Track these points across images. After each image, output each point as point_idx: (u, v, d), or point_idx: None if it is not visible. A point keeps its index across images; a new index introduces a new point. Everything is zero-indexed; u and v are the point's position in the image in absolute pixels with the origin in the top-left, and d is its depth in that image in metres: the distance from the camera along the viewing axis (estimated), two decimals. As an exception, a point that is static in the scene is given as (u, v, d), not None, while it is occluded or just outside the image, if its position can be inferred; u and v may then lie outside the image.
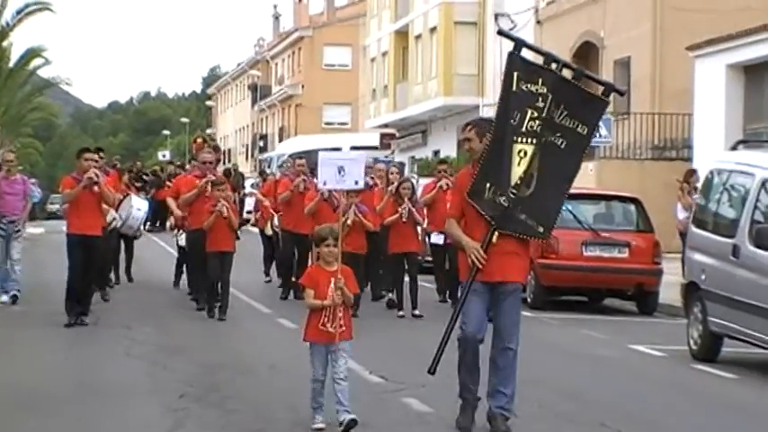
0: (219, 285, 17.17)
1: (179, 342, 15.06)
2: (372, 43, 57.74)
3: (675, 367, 14.35)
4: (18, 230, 18.76)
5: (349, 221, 16.67)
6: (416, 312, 17.76)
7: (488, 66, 44.99)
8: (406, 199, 18.19)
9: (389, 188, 19.07)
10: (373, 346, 13.57)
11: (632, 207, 21.07)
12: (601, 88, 9.85)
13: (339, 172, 10.22)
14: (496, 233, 9.51)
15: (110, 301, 18.99)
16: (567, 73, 9.61)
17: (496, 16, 43.17)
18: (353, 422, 9.37)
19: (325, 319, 9.52)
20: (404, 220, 18.12)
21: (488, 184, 9.53)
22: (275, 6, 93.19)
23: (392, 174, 20.05)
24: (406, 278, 18.45)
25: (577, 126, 9.44)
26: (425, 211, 19.32)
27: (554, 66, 9.53)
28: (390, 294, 18.91)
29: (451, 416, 10.17)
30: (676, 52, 32.21)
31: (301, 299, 18.42)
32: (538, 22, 41.77)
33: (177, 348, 14.48)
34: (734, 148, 15.72)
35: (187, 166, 38.67)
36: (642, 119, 33.49)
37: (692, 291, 15.21)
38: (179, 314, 17.96)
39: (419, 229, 19.05)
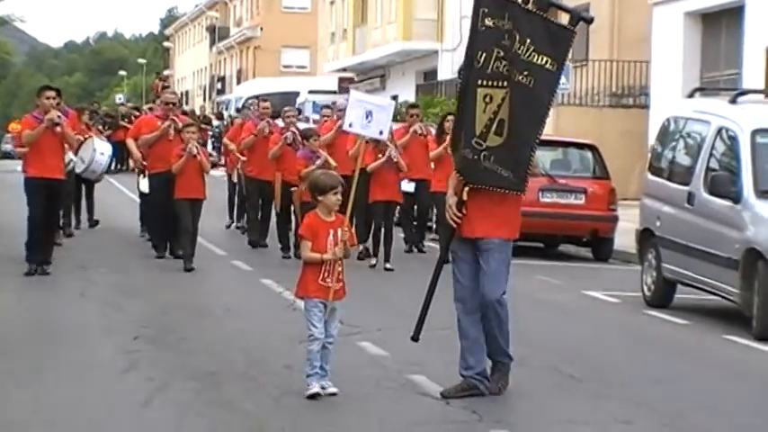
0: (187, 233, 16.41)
1: (134, 284, 15.02)
2: (332, -14, 57.39)
3: (629, 313, 14.46)
4: None
5: (318, 164, 16.00)
6: (388, 266, 16.95)
7: (448, 10, 44.83)
8: (389, 143, 16.90)
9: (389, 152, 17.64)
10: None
11: (589, 154, 21.12)
12: (567, 18, 9.18)
13: (366, 116, 9.57)
14: (466, 189, 8.94)
15: (62, 245, 17.96)
16: (531, 5, 8.91)
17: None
18: (334, 395, 8.89)
19: (326, 274, 8.87)
20: (394, 159, 17.03)
21: (462, 135, 9.00)
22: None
23: None
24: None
25: (546, 62, 8.70)
26: None
27: None
28: (365, 245, 17.80)
29: (406, 359, 10.22)
30: (635, -1, 32.22)
31: (263, 246, 18.56)
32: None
33: (132, 290, 14.44)
34: (691, 95, 15.77)
35: (144, 108, 38.51)
36: (600, 66, 33.52)
37: (646, 237, 15.30)
38: (135, 257, 17.86)
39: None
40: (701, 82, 28.22)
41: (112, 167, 39.01)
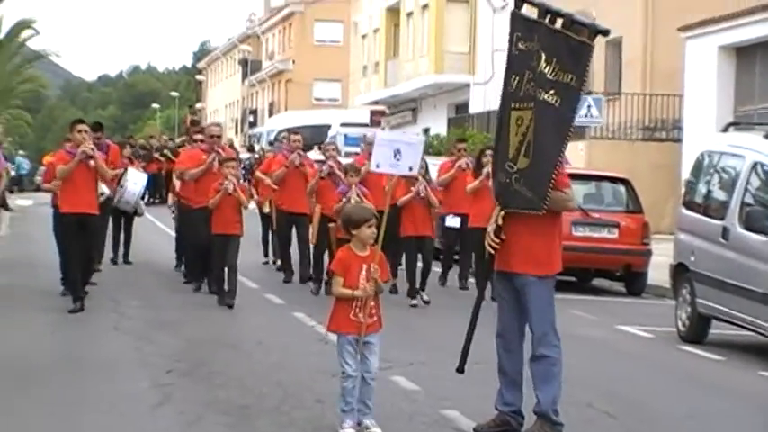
0: (226, 272, 16.04)
1: (167, 317, 15.02)
2: (363, 19, 57.57)
3: (663, 348, 14.36)
4: None
5: (353, 201, 15.59)
6: (425, 297, 16.80)
7: (480, 43, 44.91)
8: (420, 177, 16.69)
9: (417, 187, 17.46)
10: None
11: (622, 188, 21.07)
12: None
13: (395, 155, 9.47)
14: (501, 213, 8.84)
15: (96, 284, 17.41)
16: (558, 23, 8.79)
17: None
18: None
19: (357, 309, 8.70)
20: (421, 195, 16.84)
21: (499, 161, 8.96)
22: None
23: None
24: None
25: (570, 79, 8.61)
26: (440, 190, 18.27)
27: (547, 18, 8.73)
28: (395, 280, 17.39)
29: (439, 394, 10.17)
30: (668, 33, 32.19)
31: (309, 279, 18.35)
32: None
33: (165, 323, 14.45)
34: (725, 130, 15.71)
35: (177, 142, 38.67)
36: (633, 99, 33.47)
37: (680, 272, 15.21)
38: (168, 290, 17.90)
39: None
40: (735, 115, 28.15)
41: (146, 200, 39.27)
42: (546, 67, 8.64)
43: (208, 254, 16.54)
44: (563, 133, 8.74)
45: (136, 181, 20.28)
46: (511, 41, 8.88)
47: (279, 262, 20.94)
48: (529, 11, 8.99)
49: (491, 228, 8.92)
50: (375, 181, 17.25)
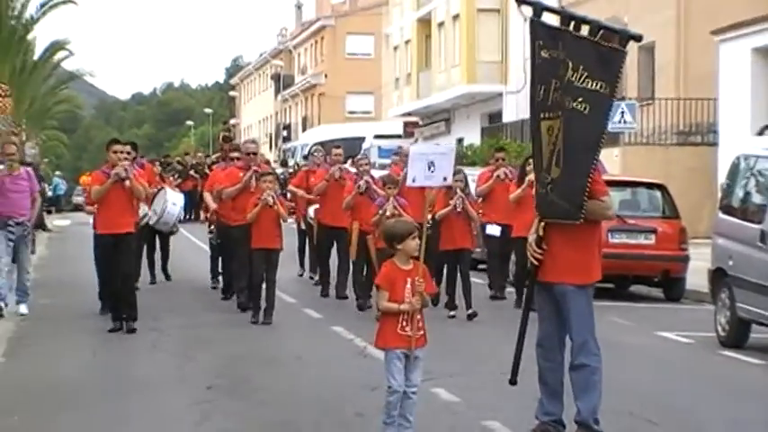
0: (265, 287, 15.93)
1: (206, 334, 15.07)
2: (395, 32, 57.64)
3: (703, 354, 14.29)
4: (27, 233, 16.66)
5: (388, 213, 15.57)
6: (470, 311, 16.44)
7: (512, 53, 44.88)
8: (458, 191, 16.68)
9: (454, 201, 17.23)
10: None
11: (658, 193, 20.99)
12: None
13: (429, 167, 9.51)
14: (542, 224, 8.82)
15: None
16: (584, 30, 8.72)
17: (519, 2, 42.96)
18: None
19: (404, 323, 8.67)
20: (458, 209, 16.68)
21: (536, 171, 8.93)
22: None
23: (456, 181, 18.18)
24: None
25: (599, 86, 8.47)
26: (480, 201, 18.32)
27: (572, 25, 8.66)
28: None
29: (480, 405, 10.15)
30: (700, 37, 32.07)
31: (344, 298, 18.35)
32: (561, 7, 41.52)
33: (204, 341, 14.50)
34: (760, 133, 15.63)
35: (212, 158, 38.72)
36: (667, 104, 33.36)
37: (719, 277, 15.14)
38: (206, 307, 17.96)
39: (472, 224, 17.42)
40: (770, 118, 27.99)
41: (181, 217, 39.38)
42: (573, 74, 8.53)
43: (248, 273, 16.40)
44: (594, 141, 8.63)
45: (174, 201, 20.19)
46: (533, 50, 8.79)
47: (315, 276, 20.92)
48: (551, 19, 8.90)
49: (532, 238, 8.90)
50: (414, 192, 17.26)
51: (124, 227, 15.10)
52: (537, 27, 8.81)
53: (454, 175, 16.60)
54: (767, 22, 29.08)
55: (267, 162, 23.01)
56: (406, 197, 16.65)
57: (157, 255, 21.43)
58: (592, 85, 8.51)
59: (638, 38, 8.75)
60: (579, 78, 8.53)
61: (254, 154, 17.46)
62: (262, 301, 15.94)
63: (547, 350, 8.98)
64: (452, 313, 16.59)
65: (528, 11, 8.89)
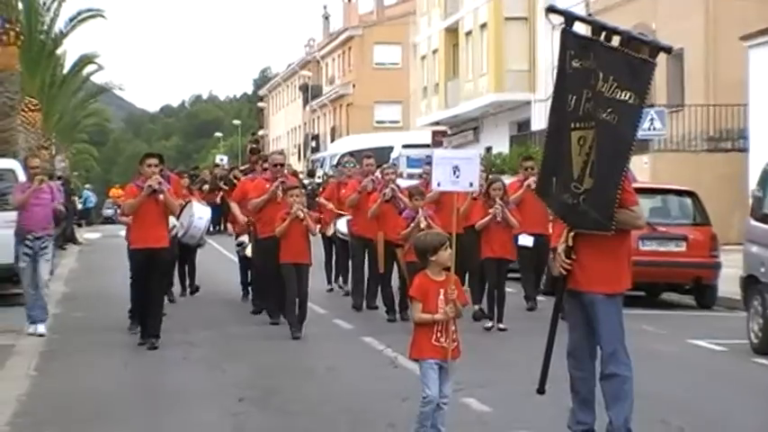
0: (297, 301, 15.74)
1: (236, 346, 15.09)
2: (422, 41, 57.70)
3: (736, 361, 14.21)
4: (45, 247, 16.10)
5: (422, 226, 15.32)
6: (501, 326, 16.34)
7: (540, 61, 44.88)
8: (497, 200, 16.49)
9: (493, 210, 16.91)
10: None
11: (688, 200, 20.90)
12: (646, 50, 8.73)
13: (454, 172, 9.50)
14: (571, 234, 8.76)
15: (166, 314, 16.68)
16: (615, 40, 8.69)
17: (550, 12, 42.92)
18: None
19: (439, 334, 8.73)
20: (498, 219, 16.39)
21: (554, 179, 8.80)
22: (325, 6, 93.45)
23: (494, 190, 17.40)
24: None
25: (629, 97, 8.45)
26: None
27: (603, 35, 8.65)
28: (478, 306, 17.18)
29: (511, 415, 10.11)
30: (729, 42, 31.97)
31: (374, 308, 18.26)
32: (589, 14, 41.55)
33: (235, 352, 14.52)
34: (791, 139, 15.55)
35: (241, 168, 38.81)
36: (696, 110, 33.26)
37: (751, 284, 15.06)
38: (236, 319, 17.99)
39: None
40: (801, 123, 27.88)
41: (210, 229, 39.48)
42: (603, 85, 8.52)
43: (277, 283, 16.23)
44: (623, 152, 8.62)
45: (201, 215, 20.05)
46: (564, 60, 8.76)
47: (345, 286, 20.87)
48: (581, 28, 8.88)
49: (561, 248, 8.86)
50: (447, 202, 16.81)
51: (159, 241, 14.99)
52: (569, 37, 8.79)
53: (493, 183, 16.78)
54: (796, 27, 28.98)
55: (294, 173, 22.88)
56: (442, 207, 16.58)
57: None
58: (621, 95, 8.50)
59: (668, 49, 8.75)
60: (609, 89, 8.52)
61: (282, 165, 17.37)
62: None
63: (577, 359, 8.95)
64: (489, 324, 16.42)
65: (559, 20, 8.85)
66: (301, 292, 15.71)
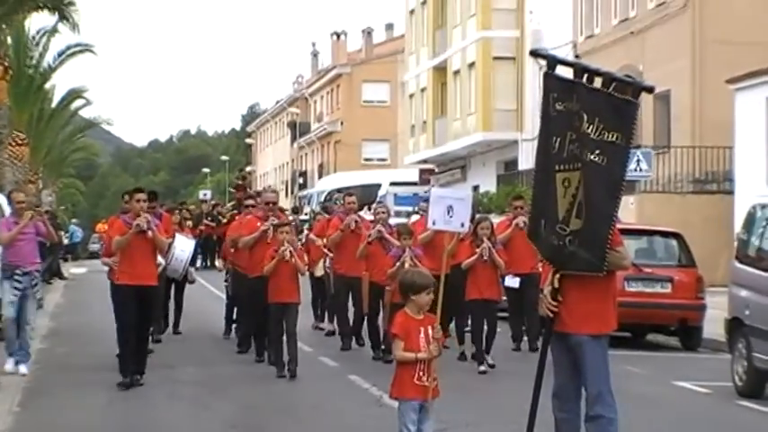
0: (285, 340, 15.41)
1: (222, 383, 15.05)
2: (411, 79, 57.92)
3: (721, 404, 14.24)
4: (35, 284, 15.80)
5: (407, 265, 15.08)
6: (489, 362, 16.20)
7: (527, 101, 45.06)
8: (485, 239, 16.31)
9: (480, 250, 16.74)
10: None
11: (674, 242, 20.96)
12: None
13: (448, 212, 9.54)
14: (557, 276, 8.74)
15: (153, 351, 16.74)
16: (597, 82, 8.74)
17: (533, 55, 43.14)
18: None
19: (420, 373, 8.70)
20: (485, 258, 16.21)
21: (543, 222, 8.80)
22: (314, 44, 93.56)
23: (482, 229, 17.17)
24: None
25: (615, 138, 8.48)
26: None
27: (585, 77, 8.69)
28: (462, 346, 17.16)
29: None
30: (716, 85, 32.16)
31: (361, 345, 18.03)
32: (576, 56, 41.73)
33: (220, 389, 14.48)
34: (776, 182, 15.64)
35: (227, 206, 38.97)
36: (682, 152, 33.40)
37: (735, 326, 15.10)
38: (221, 356, 17.95)
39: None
40: (786, 166, 28.01)
41: (198, 264, 39.50)
42: (589, 127, 8.55)
43: (264, 324, 16.08)
44: (614, 192, 8.65)
45: (183, 248, 19.53)
46: (547, 103, 8.79)
47: (328, 327, 20.73)
48: (564, 71, 8.91)
49: (547, 290, 8.86)
50: (437, 243, 16.58)
51: (147, 279, 14.62)
52: (551, 80, 8.83)
53: (480, 222, 16.61)
54: (783, 70, 29.15)
55: (282, 210, 22.67)
56: (430, 246, 16.49)
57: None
58: (608, 136, 8.53)
59: (650, 89, 8.82)
60: (595, 130, 8.55)
61: (274, 203, 17.13)
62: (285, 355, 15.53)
63: (563, 401, 8.94)
64: (482, 368, 16.04)
65: (540, 63, 8.92)
66: (290, 331, 15.38)
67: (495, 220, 18.82)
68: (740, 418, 13.32)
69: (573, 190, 8.66)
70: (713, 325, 18.96)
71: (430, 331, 8.76)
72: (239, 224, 17.89)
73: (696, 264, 20.52)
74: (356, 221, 18.16)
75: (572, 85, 8.72)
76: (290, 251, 15.33)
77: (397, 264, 15.66)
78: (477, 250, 16.27)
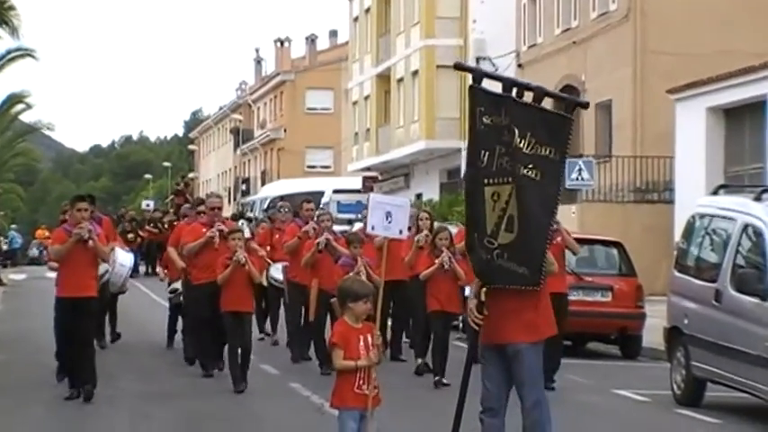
0: (239, 352, 14.94)
1: (163, 391, 14.97)
2: (354, 87, 57.96)
3: (659, 412, 14.35)
4: None
5: (362, 275, 14.45)
6: (445, 381, 15.27)
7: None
8: (444, 249, 15.71)
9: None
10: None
11: (615, 251, 21.10)
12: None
13: (387, 217, 9.53)
14: (483, 289, 8.76)
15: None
16: (527, 96, 8.73)
17: (477, 60, 43.35)
18: None
19: (360, 381, 8.66)
20: (446, 268, 15.54)
21: (476, 236, 8.75)
22: (257, 50, 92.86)
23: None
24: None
25: (549, 152, 8.53)
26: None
27: (514, 91, 8.67)
28: (422, 360, 16.56)
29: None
30: (657, 95, 32.44)
31: (307, 359, 17.57)
32: (519, 65, 42.02)
33: (161, 398, 14.40)
34: (715, 192, 15.79)
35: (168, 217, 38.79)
36: (624, 162, 33.62)
37: (674, 335, 15.22)
38: (163, 364, 17.85)
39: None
40: (726, 176, 28.30)
41: (141, 271, 39.33)
42: (521, 141, 8.56)
43: (220, 332, 15.52)
44: (549, 206, 8.70)
45: (123, 262, 19.02)
46: (474, 116, 8.72)
47: (273, 335, 20.47)
48: (491, 85, 8.87)
49: (473, 303, 8.87)
50: (393, 250, 16.25)
51: (86, 290, 14.03)
52: (477, 93, 8.76)
53: (439, 233, 16.10)
54: (722, 81, 29.45)
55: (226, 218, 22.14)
56: (388, 256, 16.30)
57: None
58: (541, 150, 8.57)
59: (584, 105, 8.89)
60: (527, 145, 8.57)
61: (219, 209, 16.72)
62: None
63: (490, 411, 8.92)
64: (446, 381, 15.28)
65: (491, 67, 8.96)
66: (244, 341, 15.00)
67: (453, 230, 18.73)
68: (679, 427, 13.44)
69: (502, 204, 8.65)
70: (653, 334, 19.11)
71: (369, 339, 8.74)
72: (185, 231, 17.25)
73: (636, 273, 20.68)
74: (315, 230, 17.41)
75: (500, 99, 8.70)
76: (245, 256, 14.89)
77: (351, 273, 14.71)
78: (438, 260, 15.69)
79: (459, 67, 9.65)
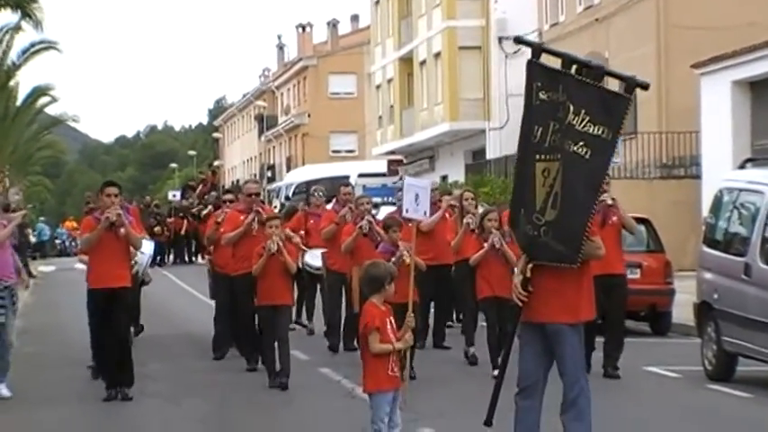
0: (277, 346, 14.08)
1: (193, 380, 15.02)
2: (377, 71, 57.85)
3: (691, 388, 14.30)
4: (15, 300, 14.30)
5: (407, 262, 12.52)
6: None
7: (494, 89, 45.08)
8: (493, 230, 14.78)
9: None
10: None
11: (642, 227, 20.94)
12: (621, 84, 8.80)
13: (416, 199, 9.50)
14: (530, 266, 8.67)
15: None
16: (587, 73, 8.60)
17: (500, 39, 43.28)
18: None
19: (393, 364, 8.70)
20: (497, 247, 14.64)
21: (522, 211, 8.68)
22: (279, 36, 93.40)
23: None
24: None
25: (602, 132, 8.39)
26: None
27: (573, 68, 8.57)
28: (473, 348, 15.83)
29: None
30: (681, 70, 32.26)
31: (353, 350, 17.25)
32: (542, 43, 41.82)
33: (191, 386, 14.44)
34: (742, 166, 15.70)
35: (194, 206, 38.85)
36: (649, 138, 33.49)
37: (704, 310, 15.17)
38: (194, 352, 17.88)
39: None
40: (752, 150, 28.15)
41: (168, 261, 39.44)
42: (574, 118, 8.46)
43: (249, 328, 15.18)
44: (595, 185, 8.57)
45: (144, 250, 17.55)
46: (530, 91, 8.65)
47: (309, 324, 19.78)
48: (549, 60, 8.78)
49: (518, 279, 8.81)
50: (439, 233, 16.24)
51: (119, 280, 13.32)
52: (535, 68, 8.68)
53: (487, 214, 15.23)
54: (747, 54, 29.26)
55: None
56: (434, 238, 15.93)
57: None
58: (594, 129, 8.45)
59: (645, 86, 8.74)
60: (581, 122, 8.46)
61: (257, 195, 16.05)
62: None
63: (528, 389, 8.88)
64: (496, 372, 14.49)
65: (513, 48, 8.90)
66: (281, 335, 14.08)
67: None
68: (709, 402, 13.38)
69: (551, 180, 8.56)
70: (682, 310, 19.03)
71: (393, 321, 8.75)
72: (222, 220, 16.41)
73: (664, 249, 20.60)
74: (352, 211, 16.97)
75: (558, 75, 8.60)
76: (278, 244, 13.83)
77: (393, 260, 13.47)
78: (485, 244, 14.87)
79: (519, 40, 9.41)
